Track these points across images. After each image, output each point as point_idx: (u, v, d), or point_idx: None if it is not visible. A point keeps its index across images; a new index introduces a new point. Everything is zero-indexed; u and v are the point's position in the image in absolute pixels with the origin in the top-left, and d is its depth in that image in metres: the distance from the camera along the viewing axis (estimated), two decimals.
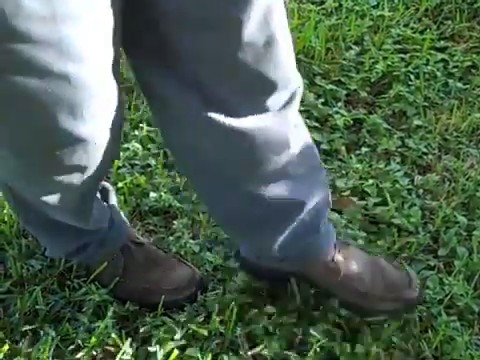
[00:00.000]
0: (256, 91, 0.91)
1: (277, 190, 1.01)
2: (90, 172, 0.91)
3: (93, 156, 0.89)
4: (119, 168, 1.40)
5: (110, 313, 1.14)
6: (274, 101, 0.92)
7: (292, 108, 0.96)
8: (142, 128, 1.48)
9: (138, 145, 1.46)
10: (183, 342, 1.13)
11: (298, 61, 1.66)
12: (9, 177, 1.01)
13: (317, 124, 1.55)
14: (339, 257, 1.15)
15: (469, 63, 1.68)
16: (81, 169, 0.90)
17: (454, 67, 1.68)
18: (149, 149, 1.46)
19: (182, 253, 1.26)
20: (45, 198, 0.96)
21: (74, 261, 1.21)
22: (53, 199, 0.97)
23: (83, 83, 0.78)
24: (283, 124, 0.96)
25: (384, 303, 1.16)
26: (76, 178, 0.91)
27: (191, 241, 1.29)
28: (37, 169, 0.90)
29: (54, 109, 0.79)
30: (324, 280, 1.16)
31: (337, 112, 1.57)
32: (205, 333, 1.14)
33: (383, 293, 1.16)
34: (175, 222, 1.33)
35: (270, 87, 0.91)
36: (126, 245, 1.20)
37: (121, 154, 1.42)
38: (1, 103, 0.79)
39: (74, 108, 0.80)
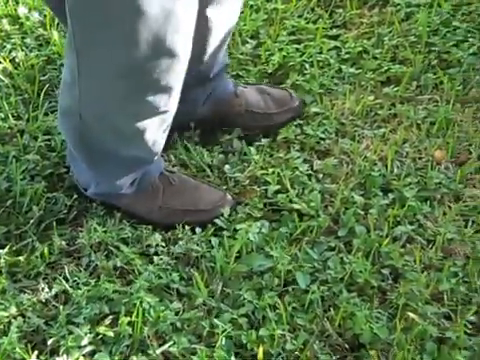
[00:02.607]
0: None
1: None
2: (175, 94, 1.18)
3: (180, 74, 1.15)
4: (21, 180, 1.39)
5: (14, 328, 1.13)
6: None
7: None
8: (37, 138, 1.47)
9: (38, 156, 1.45)
10: (91, 348, 1.13)
11: None
12: (112, 102, 1.17)
13: None
14: (238, 91, 1.52)
15: (360, 48, 1.73)
16: (169, 90, 1.15)
17: (346, 53, 1.73)
18: (49, 158, 1.45)
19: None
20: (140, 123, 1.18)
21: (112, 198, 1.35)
22: (147, 124, 1.19)
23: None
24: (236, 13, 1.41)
25: (279, 115, 1.53)
26: (164, 99, 1.16)
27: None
28: (141, 88, 1.13)
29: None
30: (231, 113, 1.50)
31: None
32: (113, 336, 1.14)
33: (276, 109, 1.52)
34: (83, 230, 1.33)
35: None
36: (162, 173, 1.37)
37: (21, 166, 1.41)
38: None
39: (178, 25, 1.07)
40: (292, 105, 1.55)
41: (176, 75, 1.15)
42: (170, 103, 1.20)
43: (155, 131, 1.24)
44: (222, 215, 1.34)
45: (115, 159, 1.28)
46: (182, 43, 1.11)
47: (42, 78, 1.63)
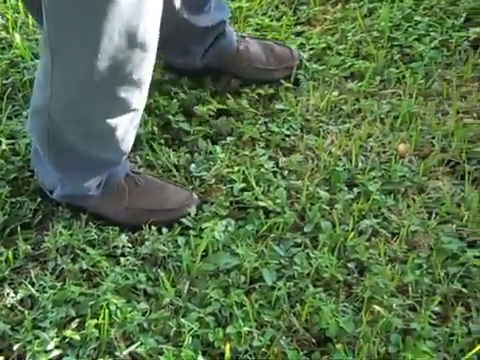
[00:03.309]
0: None
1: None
2: (145, 91, 1.20)
3: (149, 68, 1.18)
4: None
5: None
6: None
7: None
8: (1, 142, 1.45)
9: (1, 160, 1.43)
10: (58, 352, 1.13)
11: None
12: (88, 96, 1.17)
13: (184, 117, 1.57)
14: (241, 47, 1.62)
15: (324, 45, 1.74)
16: (141, 85, 1.17)
17: (310, 49, 1.74)
18: (13, 162, 1.44)
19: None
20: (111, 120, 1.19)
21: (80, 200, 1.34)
22: (120, 119, 1.20)
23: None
24: None
25: (278, 72, 1.64)
26: (136, 95, 1.18)
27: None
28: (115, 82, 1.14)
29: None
30: (234, 66, 1.62)
31: (203, 103, 1.59)
32: (80, 339, 1.14)
33: (276, 65, 1.63)
34: (48, 234, 1.32)
35: None
36: (128, 174, 1.37)
37: None
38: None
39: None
40: (292, 63, 1.65)
41: (147, 68, 1.18)
42: (140, 100, 1.22)
43: (125, 130, 1.24)
44: (189, 214, 1.34)
45: (83, 159, 1.27)
46: (151, 34, 1.13)
47: (5, 81, 1.62)
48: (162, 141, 1.52)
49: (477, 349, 1.11)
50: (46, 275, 1.25)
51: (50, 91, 1.18)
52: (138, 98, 1.20)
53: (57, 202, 1.38)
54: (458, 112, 1.56)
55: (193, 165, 1.46)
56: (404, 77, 1.65)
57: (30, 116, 1.31)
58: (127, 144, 1.29)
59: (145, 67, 1.17)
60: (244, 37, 1.67)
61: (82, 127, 1.22)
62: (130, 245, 1.30)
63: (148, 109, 1.52)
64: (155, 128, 1.53)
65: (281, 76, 1.65)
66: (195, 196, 1.38)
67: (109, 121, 1.20)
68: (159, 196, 1.37)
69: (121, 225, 1.34)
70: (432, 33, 1.75)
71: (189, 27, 1.53)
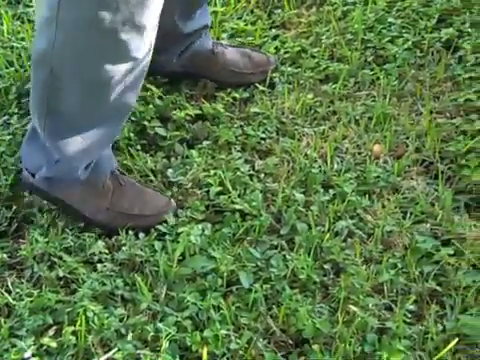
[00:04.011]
0: None
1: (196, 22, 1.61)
2: (147, 39, 1.18)
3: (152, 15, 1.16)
4: None
5: None
6: None
7: None
8: None
9: None
10: None
11: None
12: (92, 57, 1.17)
13: (160, 123, 1.57)
14: (217, 50, 1.66)
15: (299, 48, 1.76)
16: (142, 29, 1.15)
17: (286, 53, 1.75)
18: None
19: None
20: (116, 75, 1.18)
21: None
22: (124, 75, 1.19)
23: None
24: None
25: (254, 76, 1.69)
26: (137, 41, 1.16)
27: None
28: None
29: None
30: (209, 70, 1.66)
31: (179, 108, 1.60)
32: (57, 346, 1.14)
33: (252, 69, 1.68)
34: (25, 242, 1.32)
35: None
36: (113, 172, 1.38)
37: None
38: None
39: None
40: (267, 67, 1.70)
41: (149, 13, 1.15)
42: (141, 49, 1.18)
43: (122, 80, 1.20)
44: (165, 221, 1.35)
45: (80, 128, 1.26)
46: None
47: None
48: (139, 147, 1.52)
49: (451, 346, 1.13)
50: (23, 283, 1.25)
51: (54, 30, 1.14)
52: (138, 45, 1.17)
53: (33, 202, 1.37)
54: (431, 112, 1.58)
55: (170, 170, 1.47)
56: (378, 78, 1.67)
57: (33, 65, 1.25)
58: (125, 107, 1.26)
59: (147, 11, 1.13)
60: (222, 44, 1.69)
61: (83, 75, 1.19)
62: (107, 251, 1.30)
63: None
64: (131, 134, 1.54)
65: (257, 80, 1.68)
66: (173, 203, 1.38)
67: (108, 67, 1.17)
68: (139, 201, 1.38)
69: (100, 226, 1.34)
70: (405, 35, 1.77)
71: (176, 31, 1.58)
